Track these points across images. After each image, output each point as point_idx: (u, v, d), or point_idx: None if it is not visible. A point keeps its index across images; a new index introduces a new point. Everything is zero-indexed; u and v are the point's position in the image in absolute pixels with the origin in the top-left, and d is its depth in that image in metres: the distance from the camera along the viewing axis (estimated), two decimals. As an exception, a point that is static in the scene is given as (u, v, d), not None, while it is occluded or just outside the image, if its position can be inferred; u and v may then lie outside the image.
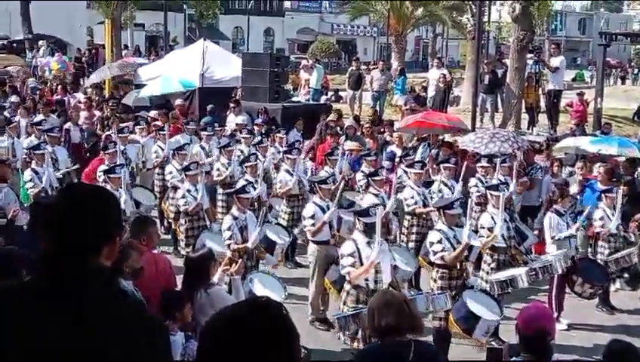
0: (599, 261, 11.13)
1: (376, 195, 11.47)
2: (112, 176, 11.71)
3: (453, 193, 12.02)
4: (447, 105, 24.39)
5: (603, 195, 11.57)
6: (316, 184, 11.13)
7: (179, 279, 7.37)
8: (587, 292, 10.64)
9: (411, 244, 11.51)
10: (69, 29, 44.26)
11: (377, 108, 24.07)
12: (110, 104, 20.07)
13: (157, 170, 14.64)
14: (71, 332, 2.51)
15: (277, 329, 2.36)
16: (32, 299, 2.56)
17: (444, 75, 24.17)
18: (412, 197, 11.82)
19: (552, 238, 10.66)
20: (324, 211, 10.41)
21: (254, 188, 12.05)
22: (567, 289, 10.65)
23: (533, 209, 13.59)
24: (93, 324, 2.54)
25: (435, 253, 9.06)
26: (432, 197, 11.97)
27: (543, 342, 5.05)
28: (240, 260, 8.30)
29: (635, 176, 14.06)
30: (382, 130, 17.91)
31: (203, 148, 15.23)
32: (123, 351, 2.53)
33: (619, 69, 50.38)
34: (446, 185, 12.51)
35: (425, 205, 11.77)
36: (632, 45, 52.82)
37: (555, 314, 10.08)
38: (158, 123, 16.90)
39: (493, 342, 9.09)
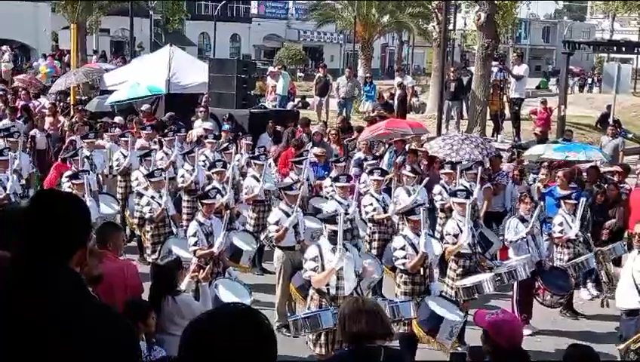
0: (560, 266, 11.25)
1: (340, 203, 11.51)
2: (75, 181, 11.64)
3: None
4: (405, 112, 24.58)
5: (562, 201, 11.67)
6: (282, 190, 11.16)
7: (146, 286, 7.35)
8: (549, 301, 10.76)
9: (374, 251, 11.53)
10: (34, 34, 43.75)
11: (344, 114, 24.16)
12: (79, 109, 19.90)
13: (119, 178, 14.56)
14: (68, 337, 2.52)
15: (252, 342, 2.38)
16: (30, 305, 2.56)
17: (400, 83, 24.48)
18: (371, 204, 11.82)
19: (506, 240, 10.78)
20: (289, 217, 10.44)
21: (222, 195, 12.02)
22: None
23: (497, 215, 13.68)
24: (91, 329, 2.56)
25: (397, 259, 9.17)
26: (392, 204, 11.98)
27: (522, 352, 5.21)
28: (208, 266, 8.31)
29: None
30: (351, 136, 17.96)
31: (166, 153, 15.09)
32: (107, 355, 2.56)
33: (578, 77, 50.84)
34: (407, 191, 12.55)
35: (385, 211, 11.80)
36: (595, 54, 53.39)
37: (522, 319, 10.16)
38: (118, 130, 16.73)
39: (458, 348, 9.16)
